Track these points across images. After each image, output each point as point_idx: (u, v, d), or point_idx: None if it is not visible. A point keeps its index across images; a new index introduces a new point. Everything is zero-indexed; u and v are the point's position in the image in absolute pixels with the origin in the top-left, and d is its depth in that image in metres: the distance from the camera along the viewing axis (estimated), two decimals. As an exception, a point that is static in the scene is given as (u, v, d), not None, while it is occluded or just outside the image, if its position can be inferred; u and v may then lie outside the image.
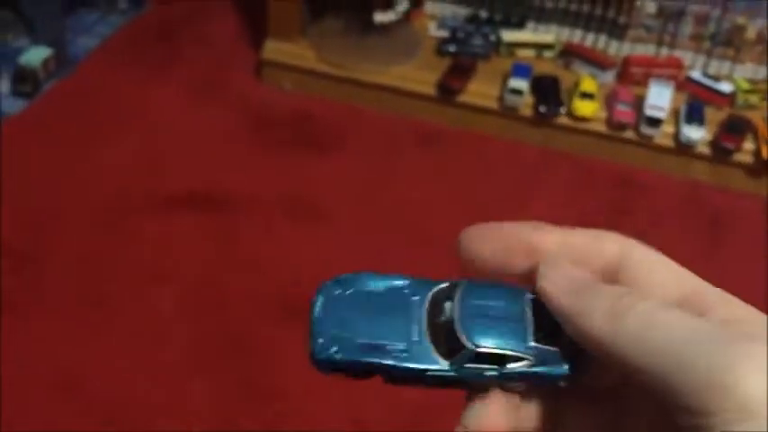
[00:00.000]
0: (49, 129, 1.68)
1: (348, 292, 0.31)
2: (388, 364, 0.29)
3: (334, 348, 0.29)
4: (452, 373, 0.29)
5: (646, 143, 1.73)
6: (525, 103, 1.75)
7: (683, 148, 1.72)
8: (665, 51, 1.89)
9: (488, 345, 0.29)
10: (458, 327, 0.29)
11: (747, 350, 0.24)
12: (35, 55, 1.75)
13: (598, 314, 0.27)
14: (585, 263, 0.30)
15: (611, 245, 0.30)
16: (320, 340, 0.30)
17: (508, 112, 1.76)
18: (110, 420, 1.21)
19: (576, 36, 1.92)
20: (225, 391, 1.26)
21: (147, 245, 1.46)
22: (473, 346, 0.29)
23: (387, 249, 1.50)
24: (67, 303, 1.35)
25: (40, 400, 1.21)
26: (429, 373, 0.29)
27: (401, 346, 0.29)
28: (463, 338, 0.29)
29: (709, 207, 1.69)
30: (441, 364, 0.29)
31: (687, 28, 1.86)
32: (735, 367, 0.24)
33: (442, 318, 0.30)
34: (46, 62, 1.76)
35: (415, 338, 0.29)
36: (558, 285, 0.29)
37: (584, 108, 1.73)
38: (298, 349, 1.23)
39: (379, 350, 0.29)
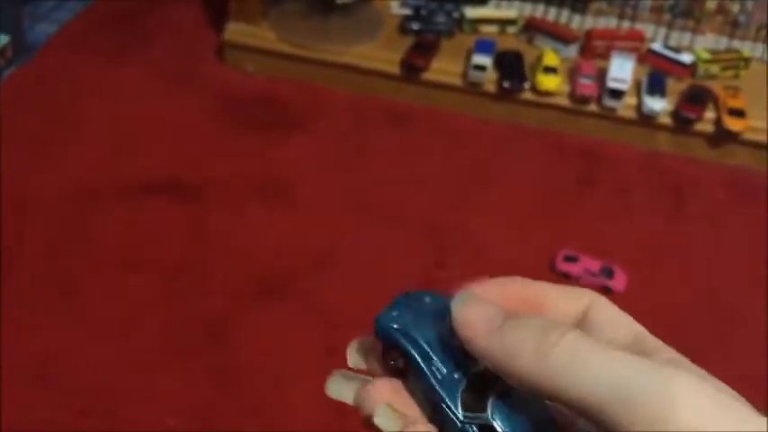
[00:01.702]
0: (10, 116, 1.65)
1: (432, 304, 0.33)
2: (422, 369, 0.31)
3: (396, 325, 0.32)
4: (457, 420, 0.30)
5: (609, 115, 1.75)
6: (489, 79, 1.76)
7: (646, 119, 1.74)
8: (626, 24, 1.91)
9: (502, 428, 0.29)
10: (491, 396, 0.30)
11: (681, 380, 0.25)
12: (-8, 43, 1.72)
13: (525, 353, 0.27)
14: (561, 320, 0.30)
15: (582, 300, 0.31)
16: (393, 312, 0.32)
17: (473, 88, 1.77)
18: (85, 409, 1.21)
19: (538, 11, 1.93)
20: (201, 376, 1.26)
21: (117, 231, 1.45)
22: (491, 418, 0.29)
23: (358, 228, 1.51)
24: (41, 291, 1.34)
25: (14, 388, 1.20)
26: (443, 403, 0.30)
27: (443, 369, 0.31)
28: (489, 406, 0.30)
29: (673, 176, 1.72)
30: (456, 407, 0.30)
31: (647, 0, 1.88)
32: (673, 398, 0.25)
33: (482, 381, 0.31)
34: (3, 49, 1.73)
35: (456, 376, 0.31)
36: (476, 331, 0.28)
37: (548, 82, 1.74)
38: (272, 331, 1.23)
39: (426, 357, 0.31)
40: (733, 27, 1.88)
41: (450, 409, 0.30)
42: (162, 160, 1.60)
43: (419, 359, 0.31)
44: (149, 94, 1.75)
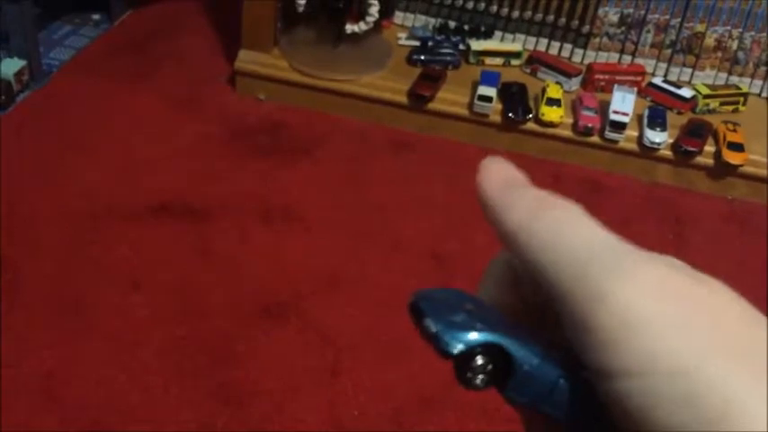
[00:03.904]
0: (24, 139, 1.69)
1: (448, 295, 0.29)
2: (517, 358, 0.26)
3: (473, 328, 0.26)
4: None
5: (610, 147, 1.79)
6: (494, 110, 1.79)
7: (647, 152, 1.78)
8: (627, 59, 1.95)
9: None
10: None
11: (639, 266, 0.24)
12: (8, 66, 1.76)
13: (519, 209, 0.28)
14: None
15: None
16: (444, 326, 0.26)
17: (478, 119, 1.81)
18: (90, 428, 1.22)
19: (541, 45, 1.97)
20: (204, 395, 1.28)
21: (124, 253, 1.48)
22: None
23: (361, 253, 1.53)
24: (46, 310, 1.36)
25: (20, 406, 1.22)
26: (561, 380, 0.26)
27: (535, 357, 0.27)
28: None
29: (673, 208, 1.75)
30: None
31: (648, 36, 1.92)
32: (619, 278, 0.24)
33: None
34: (19, 73, 1.77)
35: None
36: (492, 180, 0.29)
37: (551, 114, 1.78)
38: (275, 352, 1.24)
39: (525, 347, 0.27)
40: (732, 63, 1.92)
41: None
42: (170, 183, 1.63)
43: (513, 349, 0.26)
44: (160, 118, 1.79)
